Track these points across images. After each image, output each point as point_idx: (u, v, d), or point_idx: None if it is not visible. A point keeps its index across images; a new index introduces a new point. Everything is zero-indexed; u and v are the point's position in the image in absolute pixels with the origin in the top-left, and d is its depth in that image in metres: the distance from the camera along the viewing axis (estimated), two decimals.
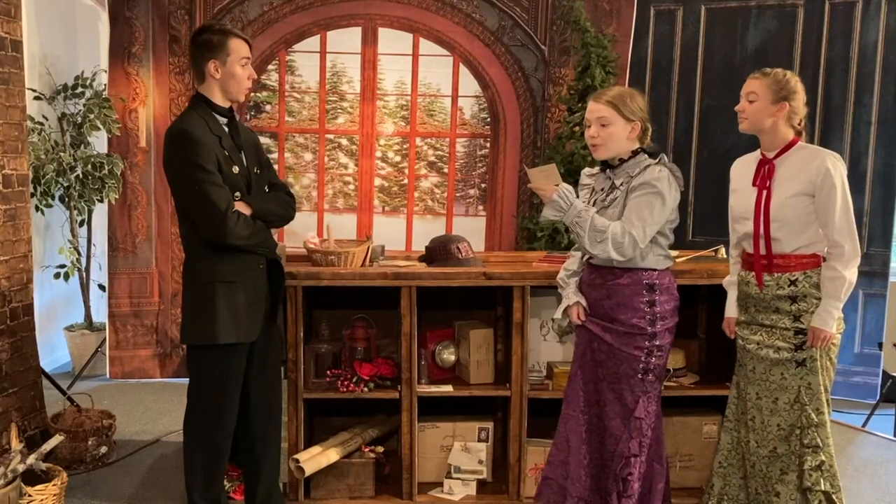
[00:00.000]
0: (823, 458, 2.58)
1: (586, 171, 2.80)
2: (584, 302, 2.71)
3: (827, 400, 2.63)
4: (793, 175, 2.57)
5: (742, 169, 2.76)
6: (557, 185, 2.53)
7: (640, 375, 2.61)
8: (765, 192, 2.60)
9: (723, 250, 3.49)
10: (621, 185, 2.59)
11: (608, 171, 2.66)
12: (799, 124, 2.64)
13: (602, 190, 2.66)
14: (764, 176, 2.63)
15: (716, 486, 2.85)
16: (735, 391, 2.79)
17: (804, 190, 2.54)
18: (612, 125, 2.57)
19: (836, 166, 2.53)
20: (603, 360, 2.66)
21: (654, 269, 2.59)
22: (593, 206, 2.64)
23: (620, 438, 2.64)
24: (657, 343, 2.60)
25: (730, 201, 2.78)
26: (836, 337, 2.59)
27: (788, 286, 2.59)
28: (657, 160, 2.59)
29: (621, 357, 2.61)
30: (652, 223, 2.52)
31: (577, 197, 2.69)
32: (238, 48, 2.64)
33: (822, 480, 2.57)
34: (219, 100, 2.66)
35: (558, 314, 2.80)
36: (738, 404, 2.76)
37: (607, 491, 2.68)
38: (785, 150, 2.62)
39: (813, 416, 2.58)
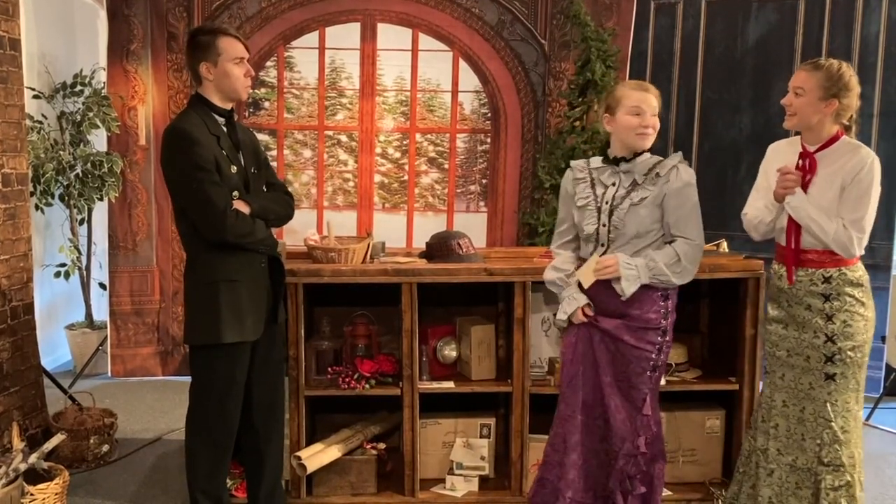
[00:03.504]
0: (848, 478, 2.49)
1: (578, 164, 2.70)
2: (588, 301, 2.65)
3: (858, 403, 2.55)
4: (832, 173, 2.48)
5: (780, 156, 2.63)
6: (607, 264, 2.52)
7: (648, 373, 2.60)
8: (802, 187, 2.51)
9: (724, 244, 3.47)
10: (647, 183, 2.54)
11: (620, 164, 2.59)
12: (849, 119, 2.52)
13: (614, 185, 2.58)
14: (803, 170, 2.53)
15: (730, 490, 2.83)
16: (762, 397, 2.72)
17: (838, 190, 2.46)
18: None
19: (874, 166, 2.45)
20: (610, 359, 2.62)
21: None
22: (607, 203, 2.56)
23: (627, 437, 2.62)
24: (667, 339, 2.61)
25: (761, 182, 2.67)
26: (865, 346, 2.52)
27: (822, 283, 2.51)
28: (679, 158, 2.60)
29: (632, 356, 2.58)
30: (700, 221, 2.59)
31: (574, 191, 2.63)
32: (228, 47, 2.61)
33: (841, 500, 2.49)
34: (217, 100, 2.65)
35: (563, 316, 2.67)
36: (763, 412, 2.70)
37: (607, 491, 2.67)
38: (827, 144, 2.51)
39: (838, 433, 2.51)
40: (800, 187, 2.51)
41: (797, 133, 2.62)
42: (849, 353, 2.51)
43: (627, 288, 2.52)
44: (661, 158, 2.60)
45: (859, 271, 2.54)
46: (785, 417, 2.61)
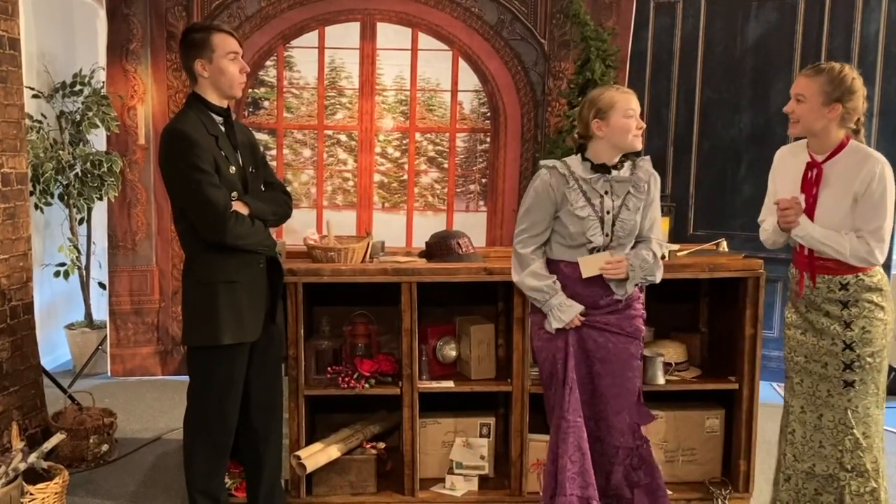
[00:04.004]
0: (875, 484, 2.46)
1: (559, 167, 2.59)
2: (582, 307, 2.63)
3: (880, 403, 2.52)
4: (844, 185, 2.42)
5: (788, 165, 2.57)
6: (618, 265, 2.55)
7: (637, 362, 2.68)
8: (811, 200, 2.46)
9: (724, 244, 3.47)
10: (636, 192, 2.58)
11: (612, 173, 2.58)
12: (856, 123, 2.45)
13: (607, 194, 2.57)
14: (811, 182, 2.47)
15: (772, 495, 2.80)
16: (784, 403, 2.71)
17: (851, 201, 2.41)
18: None
19: (885, 173, 2.39)
20: (604, 356, 2.63)
21: None
22: (608, 214, 2.55)
23: (625, 431, 2.64)
24: (644, 328, 2.73)
25: (772, 189, 2.64)
26: (884, 350, 2.49)
27: (840, 290, 2.47)
28: (650, 161, 2.68)
29: (628, 347, 2.63)
30: None
31: (568, 199, 2.56)
32: (222, 43, 2.60)
33: None
34: (214, 98, 2.64)
35: (560, 324, 2.59)
36: (784, 417, 2.69)
37: (607, 490, 2.68)
38: (835, 152, 2.45)
39: (860, 439, 2.48)
40: (804, 215, 2.47)
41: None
42: (867, 359, 2.48)
43: (630, 288, 2.61)
44: (629, 161, 2.63)
45: (878, 276, 2.50)
46: (802, 424, 2.59)
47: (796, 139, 2.60)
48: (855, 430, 2.48)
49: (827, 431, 2.53)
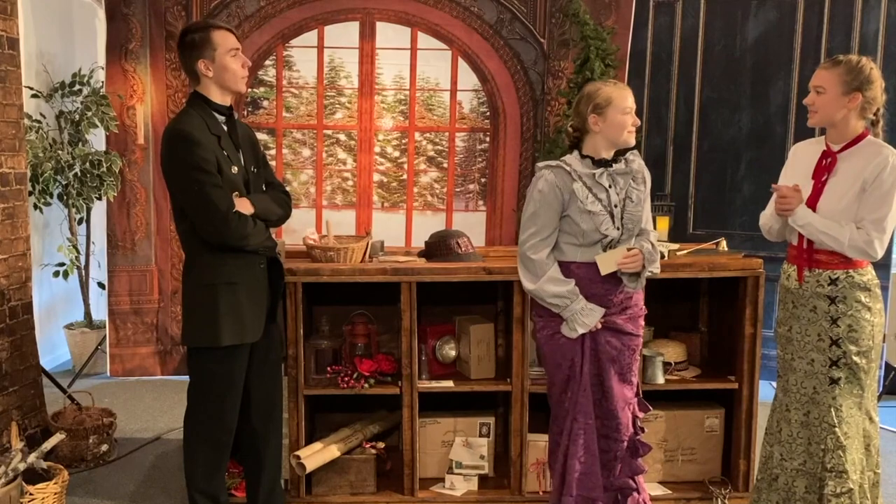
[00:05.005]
0: (851, 485, 2.45)
1: (561, 166, 2.58)
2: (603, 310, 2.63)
3: (874, 410, 2.51)
4: (854, 174, 2.43)
5: (803, 156, 2.59)
6: (634, 258, 2.55)
7: (637, 356, 2.70)
8: (819, 185, 2.47)
9: (724, 243, 3.47)
10: (636, 183, 2.61)
11: (614, 166, 2.58)
12: (875, 114, 2.47)
13: (611, 187, 2.57)
14: (823, 169, 2.48)
15: (751, 499, 2.79)
16: (774, 402, 2.70)
17: (859, 191, 2.42)
18: None
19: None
20: (615, 356, 2.63)
21: None
22: (616, 207, 2.56)
23: (629, 425, 2.67)
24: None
25: (781, 181, 2.63)
26: (871, 351, 2.48)
27: (828, 285, 2.47)
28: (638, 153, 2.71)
29: (634, 345, 2.65)
30: None
31: (577, 196, 2.54)
32: (223, 40, 2.60)
33: None
34: (217, 97, 2.64)
35: (584, 329, 2.56)
36: (773, 415, 2.69)
37: (612, 482, 2.68)
38: (852, 143, 2.46)
39: (841, 438, 2.46)
40: (803, 205, 2.48)
41: (822, 133, 2.58)
42: (854, 357, 2.47)
43: (643, 280, 2.64)
44: (621, 157, 2.64)
45: (867, 275, 2.49)
46: (787, 422, 2.59)
47: (821, 133, 2.61)
48: (837, 430, 2.47)
49: (813, 429, 2.53)
